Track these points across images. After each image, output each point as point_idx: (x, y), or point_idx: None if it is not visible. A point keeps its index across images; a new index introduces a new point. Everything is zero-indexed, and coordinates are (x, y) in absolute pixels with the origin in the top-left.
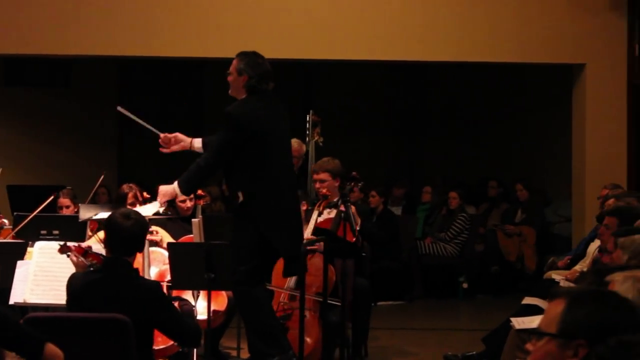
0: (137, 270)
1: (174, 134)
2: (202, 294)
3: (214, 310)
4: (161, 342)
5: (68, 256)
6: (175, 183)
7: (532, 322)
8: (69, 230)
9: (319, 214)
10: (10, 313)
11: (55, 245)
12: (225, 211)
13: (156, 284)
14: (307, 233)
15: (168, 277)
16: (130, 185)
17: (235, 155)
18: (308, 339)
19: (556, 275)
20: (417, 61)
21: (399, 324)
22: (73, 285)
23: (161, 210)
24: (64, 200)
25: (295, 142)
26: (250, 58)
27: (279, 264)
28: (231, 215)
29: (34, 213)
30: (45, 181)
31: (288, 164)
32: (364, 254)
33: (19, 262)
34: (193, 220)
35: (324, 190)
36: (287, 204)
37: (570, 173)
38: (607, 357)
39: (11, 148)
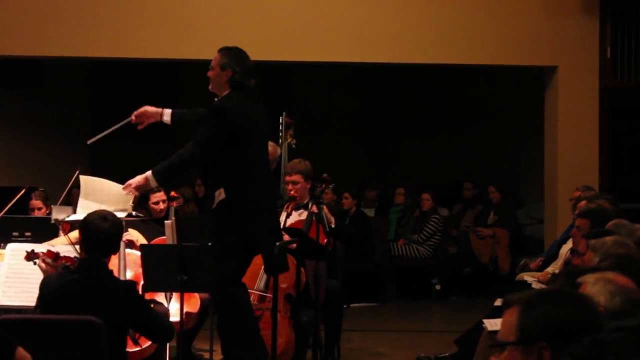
0: (112, 271)
1: (142, 109)
2: (175, 296)
3: (186, 312)
4: (134, 345)
5: (35, 263)
6: (149, 173)
7: None
8: (41, 232)
9: (288, 215)
10: None
11: (27, 247)
12: (198, 213)
13: (132, 284)
14: None
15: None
16: None
17: (219, 150)
18: (279, 340)
19: (528, 277)
20: (390, 63)
21: (371, 325)
22: (47, 286)
23: (133, 213)
24: (36, 202)
25: (270, 145)
26: (234, 53)
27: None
28: (204, 217)
29: (2, 213)
30: (18, 182)
31: (267, 163)
32: (336, 256)
33: None
34: (166, 222)
35: (293, 192)
36: (267, 204)
37: (543, 175)
38: (583, 356)
39: None
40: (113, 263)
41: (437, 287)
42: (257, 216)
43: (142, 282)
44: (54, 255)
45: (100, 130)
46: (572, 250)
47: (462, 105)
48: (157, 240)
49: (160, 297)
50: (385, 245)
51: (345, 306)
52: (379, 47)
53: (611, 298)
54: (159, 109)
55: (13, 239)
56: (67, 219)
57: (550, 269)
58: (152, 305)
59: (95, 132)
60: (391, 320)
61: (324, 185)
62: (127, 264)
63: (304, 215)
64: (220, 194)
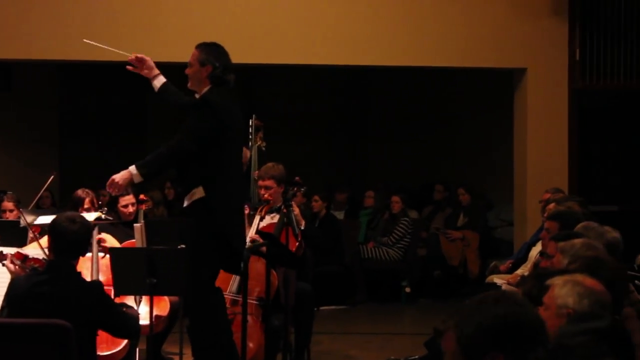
0: (80, 273)
1: (145, 57)
2: (145, 299)
3: (156, 316)
4: (105, 348)
5: (3, 264)
6: (132, 167)
7: None
8: (11, 235)
9: (261, 219)
10: None
11: None
12: (167, 216)
13: (98, 284)
14: (249, 238)
15: None
16: (87, 190)
17: (206, 145)
18: (250, 344)
19: (498, 279)
20: (361, 66)
21: (341, 328)
22: (15, 287)
23: (102, 216)
24: (7, 204)
25: None
26: (213, 48)
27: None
28: (174, 220)
29: None
30: None
31: (242, 163)
32: (306, 259)
33: None
34: (135, 225)
35: (266, 196)
36: (240, 204)
37: (512, 177)
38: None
39: None
40: (87, 267)
41: (407, 289)
42: (234, 215)
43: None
44: (23, 257)
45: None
46: (542, 253)
47: (432, 107)
48: (126, 244)
49: (130, 301)
50: (355, 248)
51: (315, 309)
52: (349, 50)
53: (579, 300)
54: (157, 70)
55: None
56: (37, 222)
57: (519, 272)
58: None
59: (63, 134)
60: (361, 323)
61: (295, 189)
62: (100, 268)
63: (276, 218)
64: (195, 193)
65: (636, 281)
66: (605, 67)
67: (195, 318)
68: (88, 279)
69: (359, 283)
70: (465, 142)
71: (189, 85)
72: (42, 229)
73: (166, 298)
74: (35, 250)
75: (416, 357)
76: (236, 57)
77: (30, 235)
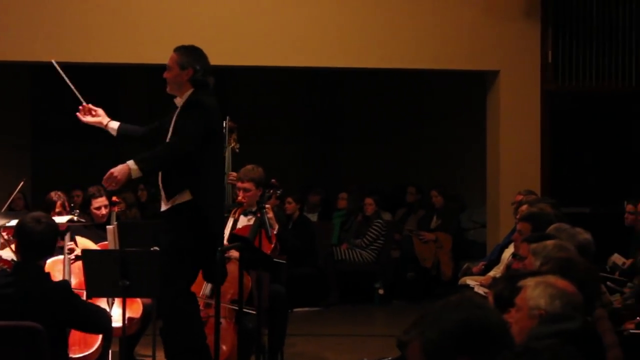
0: (48, 274)
1: (96, 107)
2: (117, 301)
3: (128, 318)
4: (78, 350)
5: None
6: (130, 162)
7: None
8: None
9: (235, 221)
10: None
11: None
12: (141, 218)
13: (65, 284)
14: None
15: None
16: (59, 193)
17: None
18: (224, 347)
19: (471, 281)
20: (334, 68)
21: (315, 330)
22: None
23: (75, 218)
24: None
25: None
26: (193, 51)
27: None
28: (147, 222)
29: None
30: None
31: (223, 166)
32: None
33: None
34: (108, 227)
35: (241, 198)
36: (223, 207)
37: (485, 179)
38: None
39: None
40: (58, 269)
41: (380, 291)
42: (221, 218)
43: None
44: None
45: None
46: (514, 254)
47: (405, 109)
48: (99, 246)
49: (103, 303)
50: (328, 250)
51: (289, 311)
52: (323, 52)
53: (551, 302)
54: (108, 118)
55: None
56: (9, 224)
57: (492, 273)
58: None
59: (35, 136)
60: (334, 325)
61: (272, 191)
62: (72, 271)
63: (251, 221)
64: (179, 197)
65: (608, 282)
66: (577, 69)
67: (169, 321)
68: None
69: (332, 285)
70: (439, 144)
71: (167, 89)
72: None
73: (139, 300)
74: (8, 252)
75: (389, 358)
76: (210, 59)
77: (3, 238)
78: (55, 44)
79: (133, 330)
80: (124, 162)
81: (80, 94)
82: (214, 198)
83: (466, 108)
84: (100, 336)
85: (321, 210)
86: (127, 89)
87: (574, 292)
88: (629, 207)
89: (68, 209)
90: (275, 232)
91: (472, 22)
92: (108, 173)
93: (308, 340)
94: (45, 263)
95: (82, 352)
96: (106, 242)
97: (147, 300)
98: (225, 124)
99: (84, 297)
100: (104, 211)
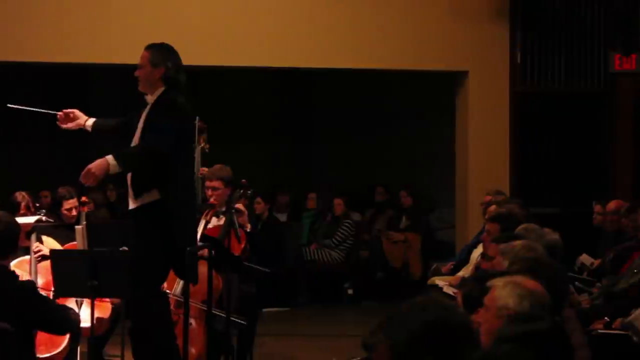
0: (13, 272)
1: (73, 110)
2: (86, 302)
3: (97, 318)
4: (44, 350)
5: None
6: (109, 157)
7: None
8: None
9: (207, 223)
10: None
11: None
12: (110, 218)
13: (32, 283)
14: None
15: None
16: (23, 194)
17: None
18: (192, 349)
19: (440, 281)
20: (303, 68)
21: (284, 330)
22: None
23: (44, 218)
24: None
25: None
26: (164, 49)
27: None
28: (116, 222)
29: None
30: None
31: (194, 167)
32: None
33: None
34: (76, 227)
35: (212, 199)
36: (194, 208)
37: (454, 179)
38: None
39: None
40: (25, 269)
41: (350, 291)
42: (188, 219)
43: (52, 289)
44: None
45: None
46: (483, 254)
47: (374, 109)
48: (67, 246)
49: (71, 303)
50: (298, 250)
51: (258, 311)
52: (292, 52)
53: (520, 302)
54: (85, 117)
55: None
56: None
57: (461, 273)
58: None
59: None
60: (304, 325)
61: (242, 191)
62: (39, 271)
63: (222, 221)
64: (147, 196)
65: (576, 283)
66: (546, 70)
67: (139, 321)
68: None
69: (301, 285)
70: (408, 144)
71: (139, 87)
72: None
73: (107, 300)
74: None
75: (358, 358)
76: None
77: None
78: (23, 44)
79: (102, 331)
80: (90, 162)
81: (48, 109)
82: (183, 198)
83: (435, 108)
84: (68, 336)
85: (290, 210)
86: (97, 89)
87: (542, 292)
88: (597, 208)
89: (33, 209)
90: (248, 230)
91: (442, 23)
92: (86, 169)
93: (278, 341)
94: (9, 263)
95: (49, 352)
96: (74, 243)
97: (116, 301)
98: (195, 124)
99: (51, 297)
100: (74, 212)
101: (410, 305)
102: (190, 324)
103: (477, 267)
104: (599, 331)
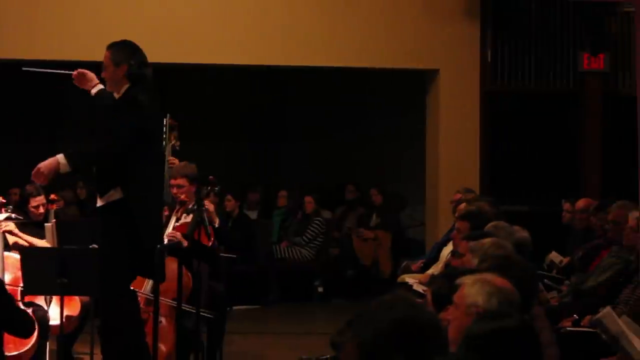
0: None
1: (85, 71)
2: (55, 299)
3: (67, 316)
4: (13, 349)
5: None
6: (60, 156)
7: None
8: None
9: (177, 220)
10: None
11: None
12: (80, 215)
13: None
14: (166, 237)
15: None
16: None
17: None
18: (162, 346)
19: (410, 279)
20: (275, 66)
21: (254, 328)
22: None
23: (12, 215)
24: None
25: None
26: (125, 46)
27: None
28: (85, 220)
29: None
30: None
31: (162, 165)
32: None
33: None
34: (46, 224)
35: (183, 196)
36: (159, 207)
37: (424, 177)
38: None
39: None
40: None
41: (320, 289)
42: (152, 218)
43: (20, 285)
44: None
45: None
46: (453, 252)
47: (345, 107)
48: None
49: (40, 300)
50: (268, 248)
51: (228, 309)
52: (264, 50)
53: (489, 299)
54: (96, 81)
55: None
56: None
57: (431, 271)
58: (32, 309)
59: None
60: (274, 323)
61: (209, 188)
62: (6, 267)
63: (190, 218)
64: (112, 194)
65: (545, 280)
66: (516, 69)
67: (108, 320)
68: None
69: (272, 283)
70: (378, 142)
71: (107, 88)
72: None
73: (77, 298)
74: None
75: (328, 356)
76: (151, 57)
77: None
78: None
79: (71, 329)
80: None
81: (64, 71)
82: (147, 196)
83: (406, 106)
84: (36, 333)
85: (261, 208)
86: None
87: (511, 289)
88: (566, 206)
89: (1, 207)
90: (216, 226)
91: (413, 22)
92: (36, 168)
93: (248, 338)
94: None
95: (17, 350)
96: (43, 240)
97: (85, 298)
98: (166, 121)
99: (18, 295)
100: (42, 209)
101: (378, 304)
102: (160, 321)
103: (447, 265)
104: (568, 329)
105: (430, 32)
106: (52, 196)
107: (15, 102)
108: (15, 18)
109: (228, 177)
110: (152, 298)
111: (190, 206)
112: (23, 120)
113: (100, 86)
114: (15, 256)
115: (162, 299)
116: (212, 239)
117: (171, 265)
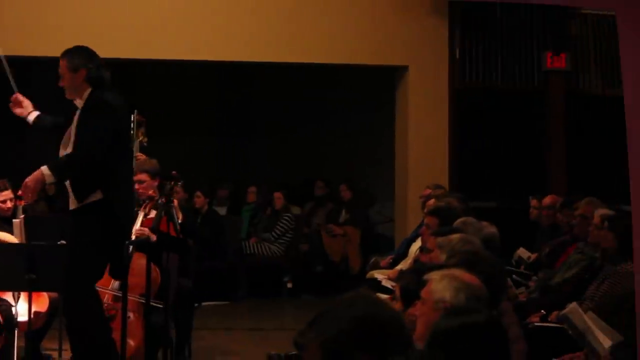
0: None
1: (25, 99)
2: (23, 295)
3: (35, 312)
4: None
5: None
6: (44, 168)
7: None
8: None
9: (145, 216)
10: None
11: None
12: (48, 212)
13: None
14: (133, 234)
15: None
16: None
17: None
18: (131, 342)
19: (379, 275)
20: (242, 62)
21: (223, 324)
22: None
23: None
24: None
25: None
26: (79, 51)
27: None
28: (54, 216)
29: None
30: None
31: (132, 163)
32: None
33: None
34: (14, 220)
35: (151, 192)
36: (133, 205)
37: (394, 174)
38: None
39: None
40: None
41: (289, 285)
42: (131, 217)
43: None
44: None
45: None
46: (422, 248)
47: (315, 103)
48: (1, 240)
49: (8, 296)
50: (237, 244)
51: (196, 305)
52: (231, 46)
53: (456, 295)
54: (31, 109)
55: None
56: None
57: (400, 267)
58: None
59: None
60: (243, 319)
61: (172, 182)
62: None
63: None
64: (90, 196)
65: (513, 276)
66: (484, 66)
67: (74, 318)
68: None
69: (241, 279)
70: (347, 138)
71: (66, 96)
72: None
73: (45, 294)
74: None
75: (295, 352)
76: (116, 53)
77: None
78: None
79: (39, 325)
80: (28, 154)
81: (13, 84)
82: (124, 193)
83: (375, 102)
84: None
85: (230, 204)
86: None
87: (479, 285)
88: (534, 202)
89: None
90: (181, 222)
91: (381, 18)
92: (23, 184)
93: (216, 334)
94: None
95: None
96: (11, 236)
97: (54, 295)
98: (134, 117)
99: None
100: (9, 204)
101: (339, 302)
102: (129, 317)
103: (415, 261)
104: (535, 324)
105: (399, 28)
106: (20, 192)
107: None
108: None
109: (197, 173)
110: (119, 294)
111: (162, 201)
112: None
113: (36, 113)
114: None
115: (131, 295)
116: (179, 233)
117: (140, 261)
